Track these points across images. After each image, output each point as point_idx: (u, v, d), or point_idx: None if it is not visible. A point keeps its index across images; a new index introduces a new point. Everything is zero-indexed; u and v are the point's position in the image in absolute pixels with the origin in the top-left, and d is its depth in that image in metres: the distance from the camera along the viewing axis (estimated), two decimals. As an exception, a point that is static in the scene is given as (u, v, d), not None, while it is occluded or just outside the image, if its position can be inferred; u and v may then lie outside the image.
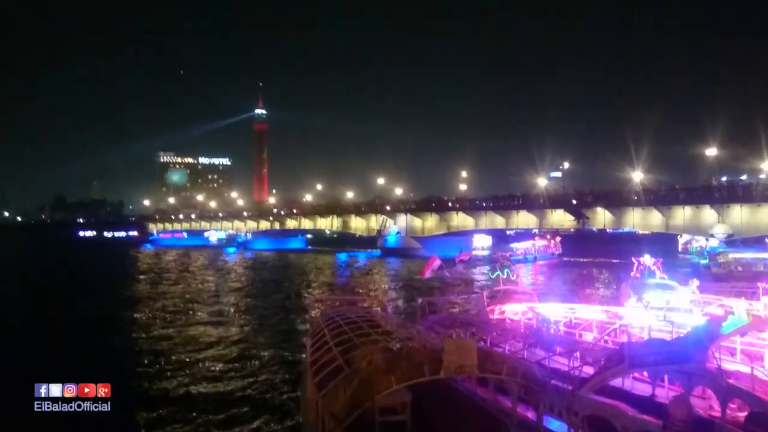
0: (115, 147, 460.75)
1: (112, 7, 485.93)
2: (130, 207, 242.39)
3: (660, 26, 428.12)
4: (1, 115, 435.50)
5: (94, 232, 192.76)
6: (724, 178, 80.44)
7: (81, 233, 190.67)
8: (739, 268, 52.96)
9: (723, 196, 66.58)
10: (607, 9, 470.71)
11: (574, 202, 79.73)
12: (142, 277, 63.10)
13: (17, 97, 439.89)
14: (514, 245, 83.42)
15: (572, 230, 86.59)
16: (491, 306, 19.53)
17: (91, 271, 69.62)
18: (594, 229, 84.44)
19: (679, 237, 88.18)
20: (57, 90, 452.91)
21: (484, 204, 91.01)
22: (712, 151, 73.30)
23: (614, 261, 69.75)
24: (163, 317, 34.56)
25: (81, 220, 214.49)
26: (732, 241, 61.99)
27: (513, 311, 19.19)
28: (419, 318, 19.24)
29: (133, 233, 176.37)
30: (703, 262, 59.38)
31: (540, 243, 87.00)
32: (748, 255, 54.64)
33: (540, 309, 18.82)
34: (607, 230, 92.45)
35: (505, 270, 21.58)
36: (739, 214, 64.46)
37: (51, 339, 26.59)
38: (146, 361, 23.14)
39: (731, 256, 55.27)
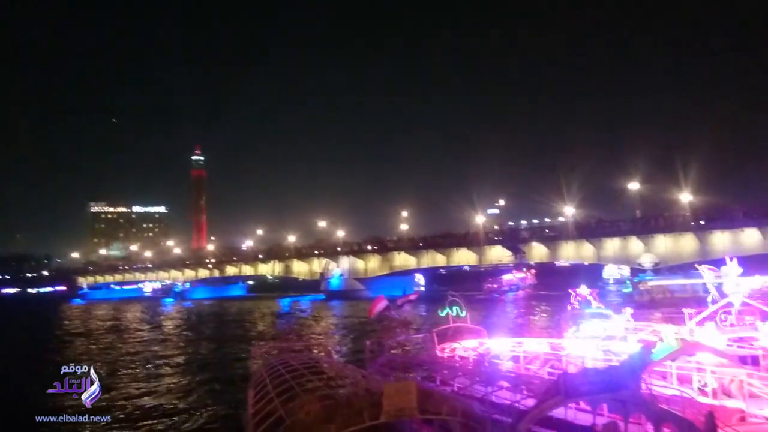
0: (42, 199, 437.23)
1: (44, 55, 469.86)
2: (58, 260, 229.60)
3: (594, 62, 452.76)
4: None
5: (18, 289, 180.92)
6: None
7: (3, 290, 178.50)
8: (660, 295, 55.87)
9: (646, 227, 70.47)
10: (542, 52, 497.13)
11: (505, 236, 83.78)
12: (66, 337, 58.94)
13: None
14: (503, 277, 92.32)
15: (511, 264, 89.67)
16: (442, 344, 19.58)
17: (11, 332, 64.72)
18: (532, 262, 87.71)
19: (605, 267, 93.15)
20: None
21: (422, 243, 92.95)
22: (635, 185, 77.71)
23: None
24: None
25: (1, 277, 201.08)
26: (658, 269, 65.33)
27: (464, 348, 19.32)
28: (368, 361, 18.97)
29: (61, 288, 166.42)
30: (627, 290, 62.07)
31: (519, 275, 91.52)
32: (665, 282, 57.71)
33: (489, 344, 19.01)
34: (566, 263, 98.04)
35: (455, 307, 21.59)
36: (663, 243, 68.29)
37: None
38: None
39: (650, 284, 58.31)
